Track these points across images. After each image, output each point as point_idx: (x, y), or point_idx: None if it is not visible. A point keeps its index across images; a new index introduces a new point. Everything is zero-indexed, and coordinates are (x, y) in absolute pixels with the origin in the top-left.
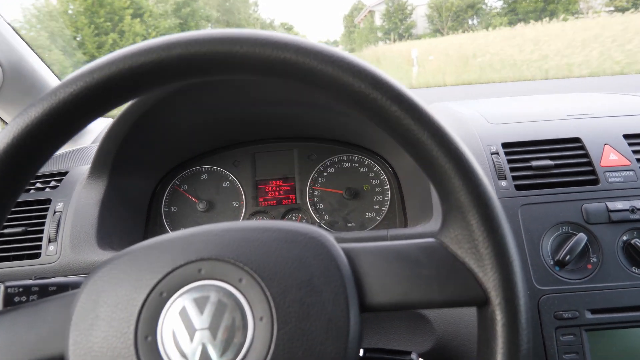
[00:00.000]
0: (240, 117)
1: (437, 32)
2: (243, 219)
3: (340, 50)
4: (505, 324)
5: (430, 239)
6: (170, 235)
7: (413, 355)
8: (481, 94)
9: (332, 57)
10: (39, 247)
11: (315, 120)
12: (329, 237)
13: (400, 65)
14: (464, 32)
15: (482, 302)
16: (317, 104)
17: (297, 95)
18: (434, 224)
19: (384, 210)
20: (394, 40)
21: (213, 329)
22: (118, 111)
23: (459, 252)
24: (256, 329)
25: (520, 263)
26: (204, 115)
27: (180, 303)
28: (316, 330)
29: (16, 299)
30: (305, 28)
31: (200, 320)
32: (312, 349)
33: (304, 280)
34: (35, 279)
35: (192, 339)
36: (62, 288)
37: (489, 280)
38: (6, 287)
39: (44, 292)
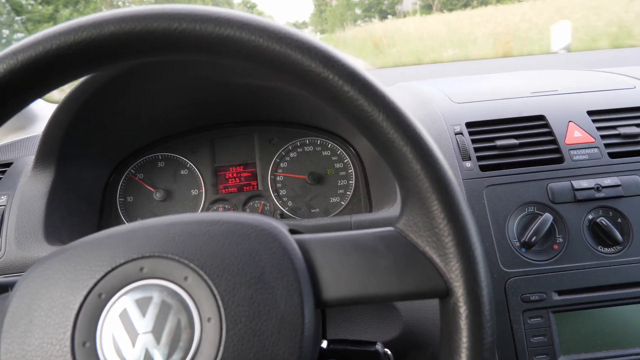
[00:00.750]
0: (196, 101)
1: (427, 8)
2: (202, 207)
3: (289, 27)
4: (469, 316)
5: (389, 228)
6: (110, 230)
7: (378, 346)
8: None
9: (279, 34)
10: None
11: (276, 103)
12: (281, 228)
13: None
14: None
15: (444, 294)
16: (275, 85)
17: (255, 76)
18: (397, 208)
19: (349, 194)
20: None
21: (157, 332)
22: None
23: (418, 240)
24: (203, 330)
25: (483, 251)
26: (157, 99)
27: (120, 305)
28: (268, 330)
29: None
30: (270, 7)
31: (143, 323)
32: (264, 350)
33: (255, 276)
34: None
35: (134, 343)
36: (3, 289)
37: (451, 270)
38: None
39: None
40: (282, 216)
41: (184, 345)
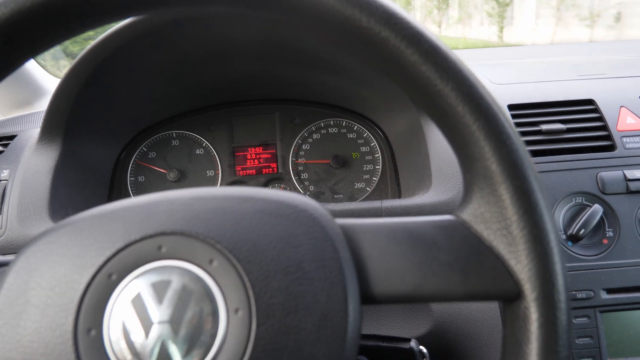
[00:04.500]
0: (215, 74)
1: None
2: None
3: None
4: (543, 324)
5: (449, 216)
6: (124, 202)
7: (413, 343)
8: None
9: None
10: None
11: (299, 80)
12: (323, 210)
13: None
14: None
15: (513, 297)
16: (302, 56)
17: (280, 41)
18: (433, 194)
19: (375, 180)
20: None
21: (175, 322)
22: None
23: (485, 233)
24: (230, 323)
25: (561, 250)
26: (172, 70)
27: (133, 288)
28: (306, 328)
29: None
30: None
31: (159, 311)
32: (300, 351)
33: (292, 264)
34: None
35: (147, 334)
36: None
37: (523, 269)
38: None
39: None
40: None
41: (206, 339)
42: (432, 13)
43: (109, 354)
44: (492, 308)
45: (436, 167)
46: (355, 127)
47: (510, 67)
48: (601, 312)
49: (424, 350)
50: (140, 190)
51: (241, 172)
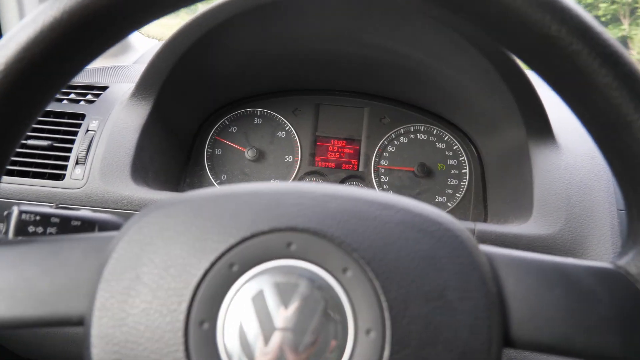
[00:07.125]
0: (310, 55)
1: None
2: (295, 177)
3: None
4: None
5: (608, 265)
6: (252, 186)
7: None
8: None
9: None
10: (64, 167)
11: (396, 78)
12: (468, 233)
13: None
14: None
15: None
16: (405, 54)
17: (391, 38)
18: (533, 225)
19: (458, 196)
20: None
21: (298, 332)
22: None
23: None
24: (358, 344)
25: None
26: (271, 45)
27: (256, 285)
28: None
29: (30, 228)
30: None
31: (283, 317)
32: None
33: (435, 289)
34: (56, 207)
35: (266, 340)
36: (88, 225)
37: None
38: (20, 212)
39: (65, 226)
40: None
41: (330, 358)
42: None
43: (220, 353)
44: None
45: (540, 197)
46: (446, 137)
47: None
48: None
49: None
50: (215, 163)
51: (320, 163)
